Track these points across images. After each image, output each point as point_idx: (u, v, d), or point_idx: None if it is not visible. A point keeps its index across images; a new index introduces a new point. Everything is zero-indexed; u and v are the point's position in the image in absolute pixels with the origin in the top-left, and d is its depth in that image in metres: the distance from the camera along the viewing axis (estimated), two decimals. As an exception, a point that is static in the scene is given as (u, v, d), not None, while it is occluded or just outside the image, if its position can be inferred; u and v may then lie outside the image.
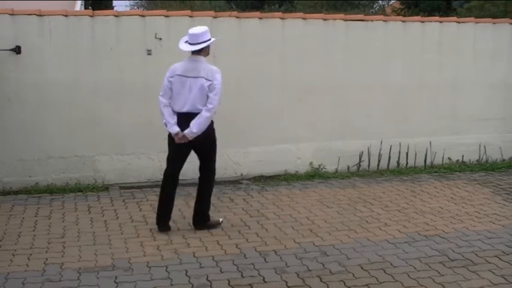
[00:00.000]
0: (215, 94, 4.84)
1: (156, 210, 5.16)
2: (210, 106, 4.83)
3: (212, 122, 5.03)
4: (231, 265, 4.30)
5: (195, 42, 4.91)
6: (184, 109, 4.89)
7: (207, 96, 4.85)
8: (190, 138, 4.90)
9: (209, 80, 4.85)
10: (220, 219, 5.29)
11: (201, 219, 5.15)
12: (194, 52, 4.94)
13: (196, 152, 5.15)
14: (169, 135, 5.03)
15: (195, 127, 4.84)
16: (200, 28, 4.98)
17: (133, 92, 6.62)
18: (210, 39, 4.98)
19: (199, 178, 5.26)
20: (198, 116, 4.83)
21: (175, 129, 4.89)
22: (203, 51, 4.99)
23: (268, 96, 7.08)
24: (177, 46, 6.64)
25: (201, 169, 5.23)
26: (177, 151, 5.08)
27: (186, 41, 5.00)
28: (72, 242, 4.78)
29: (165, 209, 5.08)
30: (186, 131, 4.86)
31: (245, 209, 5.77)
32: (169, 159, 5.20)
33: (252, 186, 6.72)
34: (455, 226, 5.28)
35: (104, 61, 6.51)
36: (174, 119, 4.92)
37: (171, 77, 4.94)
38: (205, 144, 5.08)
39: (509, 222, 5.42)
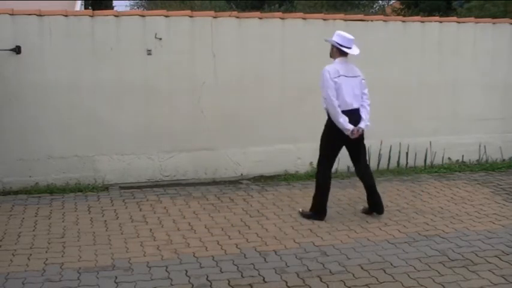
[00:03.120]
0: (366, 89, 5.47)
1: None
2: (369, 101, 5.44)
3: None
4: (231, 265, 4.30)
5: (352, 45, 5.40)
6: (354, 106, 5.34)
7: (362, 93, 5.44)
8: (363, 131, 5.39)
9: (363, 78, 5.46)
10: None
11: (381, 208, 5.54)
12: (344, 55, 5.40)
13: (351, 147, 5.48)
14: (332, 134, 5.36)
15: (367, 120, 5.38)
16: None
17: (133, 92, 6.62)
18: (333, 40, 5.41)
19: (364, 174, 5.53)
20: (366, 111, 5.39)
21: (349, 127, 5.26)
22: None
23: (268, 96, 7.08)
24: (178, 46, 6.72)
25: (361, 164, 5.55)
26: (337, 149, 5.49)
27: (346, 47, 5.37)
28: (72, 242, 4.78)
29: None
30: (362, 125, 5.33)
31: (245, 209, 5.77)
32: (329, 157, 5.46)
33: (252, 186, 6.72)
34: (455, 226, 5.29)
35: (104, 61, 6.50)
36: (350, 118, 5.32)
37: (337, 77, 5.29)
38: (362, 138, 5.46)
39: (509, 222, 5.43)
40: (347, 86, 5.29)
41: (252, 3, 19.32)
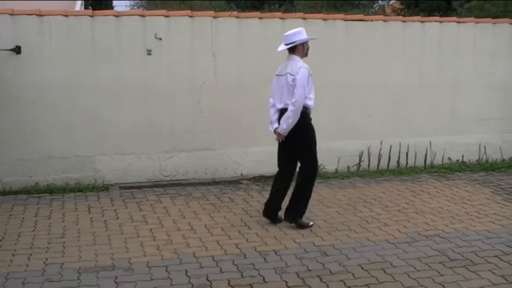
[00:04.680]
0: (297, 88, 4.99)
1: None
2: (293, 100, 4.99)
3: (305, 116, 5.12)
4: (231, 265, 4.30)
5: (286, 42, 5.18)
6: (280, 106, 5.16)
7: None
8: (283, 134, 5.11)
9: (293, 75, 5.04)
10: (311, 223, 5.24)
11: (291, 215, 5.22)
12: (290, 52, 5.20)
13: (292, 148, 5.23)
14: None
15: (284, 123, 5.05)
16: (293, 30, 5.21)
17: (133, 92, 6.62)
18: (297, 40, 5.13)
19: (298, 174, 5.30)
20: (286, 114, 5.02)
21: (271, 127, 5.24)
22: (297, 51, 5.20)
23: (268, 96, 7.03)
24: (178, 46, 6.72)
25: (300, 165, 5.30)
26: (280, 147, 5.32)
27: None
28: (72, 242, 4.78)
29: (272, 200, 5.31)
30: (278, 128, 5.12)
31: (245, 209, 5.77)
32: (278, 155, 5.39)
33: (252, 186, 6.72)
34: (455, 226, 5.29)
35: (104, 61, 6.50)
36: (275, 117, 5.21)
37: (275, 75, 5.27)
38: (297, 138, 5.16)
39: (509, 222, 5.42)
40: (276, 85, 5.26)
41: (252, 3, 19.34)
